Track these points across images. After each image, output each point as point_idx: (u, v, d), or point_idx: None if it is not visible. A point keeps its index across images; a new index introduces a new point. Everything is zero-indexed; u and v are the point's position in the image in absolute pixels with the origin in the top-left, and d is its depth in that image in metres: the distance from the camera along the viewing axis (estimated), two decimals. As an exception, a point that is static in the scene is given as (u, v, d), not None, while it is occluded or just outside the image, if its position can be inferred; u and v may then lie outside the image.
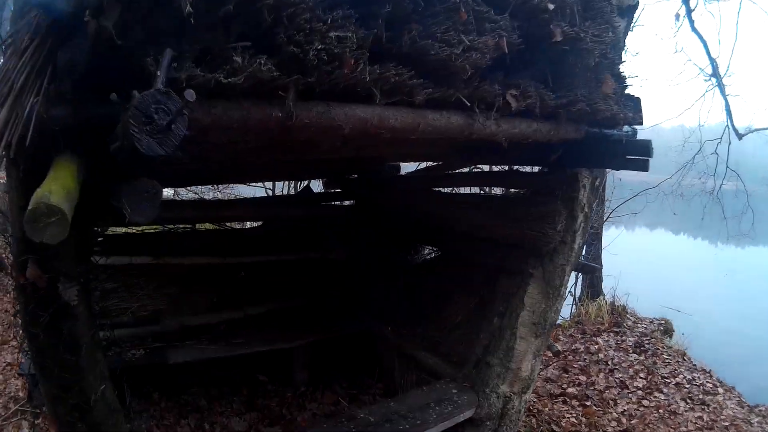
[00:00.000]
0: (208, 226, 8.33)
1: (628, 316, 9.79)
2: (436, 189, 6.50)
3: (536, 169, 5.55)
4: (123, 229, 7.24)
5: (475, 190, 7.65)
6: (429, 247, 7.53)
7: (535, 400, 6.73)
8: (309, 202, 8.11)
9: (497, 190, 7.38)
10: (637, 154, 4.06)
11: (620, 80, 4.05)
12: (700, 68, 14.62)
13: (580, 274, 11.44)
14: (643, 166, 4.10)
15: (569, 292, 11.40)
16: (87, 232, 3.10)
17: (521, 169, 5.56)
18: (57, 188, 1.94)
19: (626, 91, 4.11)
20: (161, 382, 7.27)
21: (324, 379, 7.65)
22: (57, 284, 2.82)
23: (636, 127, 4.27)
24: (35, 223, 1.79)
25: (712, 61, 13.76)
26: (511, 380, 5.04)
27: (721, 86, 13.98)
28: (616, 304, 10.15)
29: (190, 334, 7.17)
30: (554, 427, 6.32)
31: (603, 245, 12.88)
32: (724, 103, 13.98)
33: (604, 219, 12.80)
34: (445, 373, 5.65)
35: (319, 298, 8.05)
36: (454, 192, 6.24)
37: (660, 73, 23.77)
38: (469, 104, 3.24)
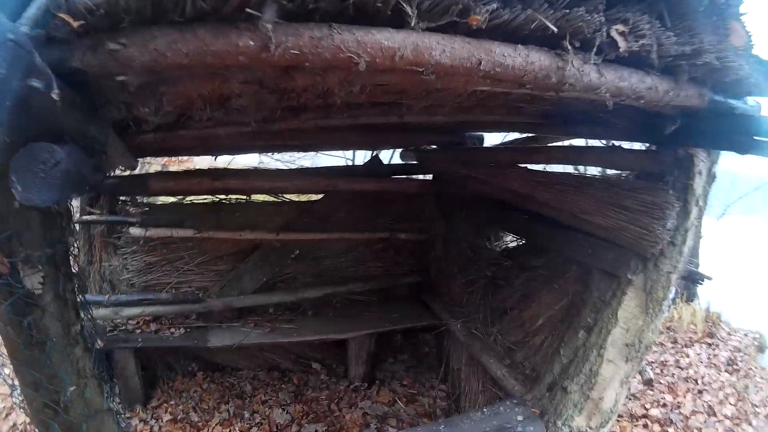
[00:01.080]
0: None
1: (722, 325, 8.93)
2: (524, 165, 5.45)
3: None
4: (168, 200, 7.06)
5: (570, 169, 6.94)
6: (513, 235, 6.69)
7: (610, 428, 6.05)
8: (378, 174, 7.35)
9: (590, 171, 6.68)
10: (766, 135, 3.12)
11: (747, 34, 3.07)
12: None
13: (696, 286, 10.59)
14: (772, 151, 3.14)
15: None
16: (53, 212, 2.52)
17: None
18: None
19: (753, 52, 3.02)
20: (207, 361, 7.07)
21: (382, 374, 7.16)
22: (19, 270, 2.42)
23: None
24: None
25: None
26: (590, 412, 4.13)
27: None
28: (710, 310, 9.23)
29: (237, 315, 6.83)
30: (632, 458, 5.64)
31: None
32: None
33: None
34: (512, 390, 4.85)
35: (384, 284, 7.43)
36: (545, 170, 5.34)
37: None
38: (557, 33, 2.25)
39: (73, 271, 2.93)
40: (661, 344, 8.01)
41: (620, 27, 2.35)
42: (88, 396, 3.02)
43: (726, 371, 7.22)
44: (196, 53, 1.80)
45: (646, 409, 6.24)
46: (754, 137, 3.04)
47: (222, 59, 1.83)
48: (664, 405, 6.35)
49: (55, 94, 1.73)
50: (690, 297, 10.32)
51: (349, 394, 6.68)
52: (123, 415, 3.60)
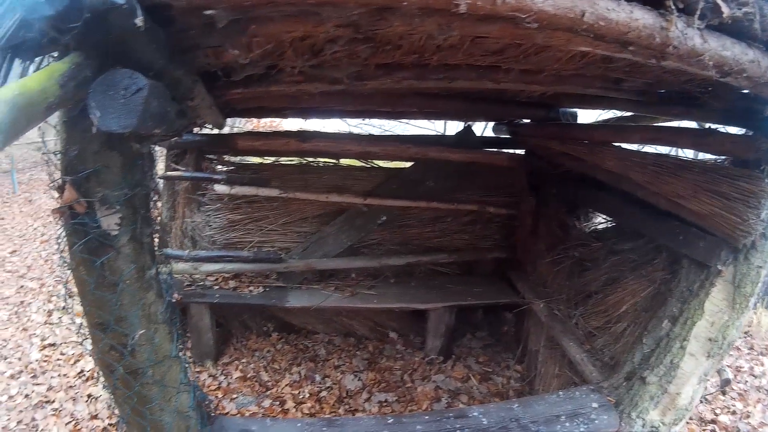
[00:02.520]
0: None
1: None
2: (618, 144, 5.27)
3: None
4: (254, 160, 7.13)
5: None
6: (603, 216, 6.48)
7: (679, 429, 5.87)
8: (469, 145, 7.16)
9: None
10: None
11: None
12: None
13: None
14: None
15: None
16: (136, 152, 2.52)
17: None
18: (8, 90, 1.51)
19: None
20: (283, 322, 7.14)
21: (458, 349, 7.09)
22: (96, 210, 2.46)
23: None
24: None
25: None
26: (666, 407, 3.98)
27: None
28: None
29: (318, 278, 6.91)
30: (696, 462, 5.45)
31: None
32: None
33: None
34: (590, 376, 4.74)
35: (468, 257, 7.33)
36: (642, 152, 5.17)
37: None
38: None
39: (152, 216, 2.94)
40: (737, 348, 7.74)
41: (723, -9, 2.20)
42: (157, 341, 3.04)
43: None
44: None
45: (716, 415, 6.06)
46: None
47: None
48: (734, 413, 6.17)
49: (139, 20, 1.71)
50: None
51: (423, 367, 6.64)
52: (190, 367, 3.62)
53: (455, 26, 2.18)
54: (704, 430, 5.81)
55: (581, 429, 3.91)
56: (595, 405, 4.18)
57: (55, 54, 1.91)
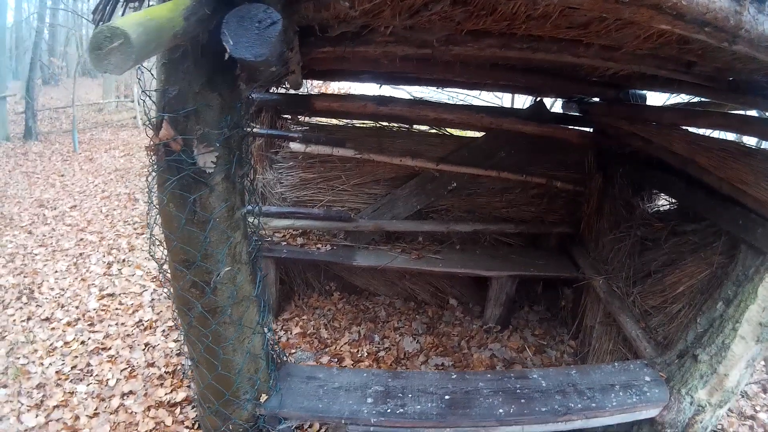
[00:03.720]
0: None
1: None
2: (685, 128, 5.33)
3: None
4: (329, 122, 7.12)
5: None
6: (667, 197, 6.54)
7: (723, 414, 5.88)
8: (543, 119, 7.12)
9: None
10: None
11: None
12: None
13: None
14: None
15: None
16: (235, 94, 2.67)
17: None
18: (136, 16, 1.73)
19: None
20: (346, 282, 7.32)
21: (515, 321, 7.21)
22: (192, 148, 2.62)
23: None
24: (98, 49, 1.61)
25: None
26: (713, 387, 4.12)
27: None
28: None
29: (385, 239, 7.06)
30: (730, 456, 5.47)
31: None
32: None
33: None
34: (644, 352, 4.84)
35: (534, 229, 7.42)
36: (709, 136, 5.23)
37: None
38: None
39: (246, 158, 3.09)
40: None
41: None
42: (240, 281, 3.22)
43: None
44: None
45: (756, 411, 6.01)
46: None
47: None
48: (773, 412, 6.13)
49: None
50: None
51: (481, 334, 6.76)
52: (267, 308, 3.79)
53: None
54: (743, 424, 5.84)
55: (633, 399, 4.06)
56: (647, 378, 4.31)
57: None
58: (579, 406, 3.95)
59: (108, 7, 2.01)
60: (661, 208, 6.51)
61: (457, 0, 2.64)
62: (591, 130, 7.10)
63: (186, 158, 2.61)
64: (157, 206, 2.91)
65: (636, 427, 4.37)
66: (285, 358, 4.16)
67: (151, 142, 2.62)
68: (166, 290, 6.90)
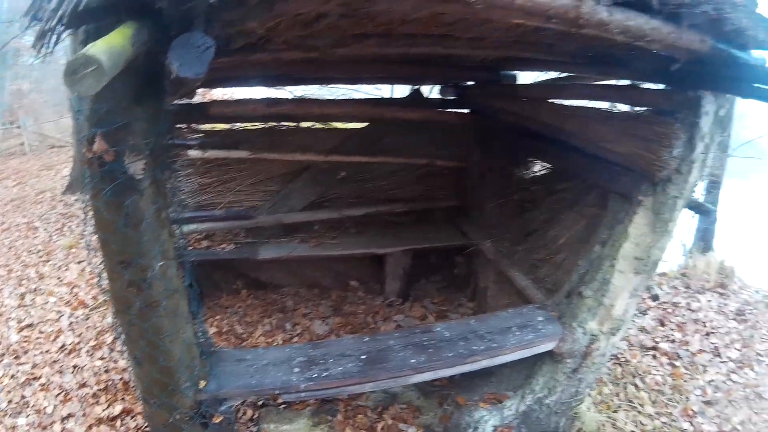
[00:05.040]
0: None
1: (735, 279, 8.92)
2: (553, 100, 5.95)
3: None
4: (223, 128, 7.32)
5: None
6: (541, 162, 7.08)
7: (625, 348, 6.42)
8: (421, 105, 7.89)
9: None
10: (766, 83, 3.55)
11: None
12: None
13: (694, 221, 10.87)
14: (771, 97, 3.57)
15: (681, 243, 10.86)
16: (158, 107, 2.99)
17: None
18: (101, 44, 1.98)
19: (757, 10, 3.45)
20: (252, 279, 7.49)
21: (415, 292, 7.62)
22: (123, 158, 2.85)
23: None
24: (73, 74, 1.83)
25: None
26: (602, 317, 4.63)
27: None
28: (724, 263, 9.32)
29: (284, 232, 7.28)
30: (638, 382, 5.96)
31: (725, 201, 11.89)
32: None
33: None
34: (536, 298, 5.36)
35: (422, 206, 7.88)
36: (574, 105, 5.79)
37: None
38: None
39: (170, 162, 3.39)
40: (675, 288, 8.31)
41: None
42: (170, 275, 3.51)
43: (734, 320, 7.46)
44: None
45: (656, 342, 6.60)
46: (755, 84, 3.52)
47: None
48: (673, 341, 6.72)
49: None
50: (706, 248, 10.56)
51: (384, 309, 7.16)
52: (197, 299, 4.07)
53: (425, 6, 2.80)
54: (645, 355, 6.38)
55: (530, 336, 4.58)
56: (541, 318, 4.85)
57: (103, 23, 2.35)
58: (482, 347, 4.40)
59: (53, 37, 2.29)
60: (538, 173, 7.05)
61: (343, 13, 3.03)
62: (469, 111, 7.59)
63: (119, 168, 2.84)
64: (93, 215, 3.12)
65: (540, 362, 4.83)
66: (214, 347, 4.44)
67: (86, 156, 2.83)
68: (82, 312, 7.01)
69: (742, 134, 12.59)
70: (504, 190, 7.00)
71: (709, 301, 7.88)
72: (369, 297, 7.53)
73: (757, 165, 13.06)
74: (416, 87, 7.74)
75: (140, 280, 3.29)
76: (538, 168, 7.13)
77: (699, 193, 10.01)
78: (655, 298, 7.28)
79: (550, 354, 4.71)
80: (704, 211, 8.80)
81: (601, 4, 2.88)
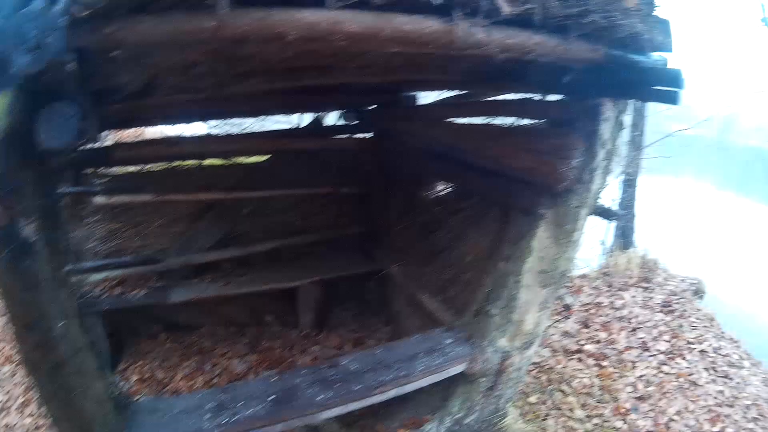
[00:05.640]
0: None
1: (659, 271, 9.08)
2: (451, 119, 5.98)
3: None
4: (128, 170, 7.24)
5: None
6: (444, 183, 7.09)
7: (548, 355, 6.50)
8: (320, 134, 7.91)
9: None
10: (666, 85, 3.54)
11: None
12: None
13: (610, 222, 11.02)
14: (673, 99, 3.55)
15: (600, 241, 11.29)
16: (47, 168, 2.95)
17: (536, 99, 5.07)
18: None
19: (654, 12, 3.53)
20: (169, 322, 7.36)
21: (331, 322, 7.65)
22: (17, 221, 2.78)
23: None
24: None
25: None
26: (512, 334, 4.67)
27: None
28: (647, 257, 9.37)
29: (195, 272, 7.18)
30: (564, 387, 6.03)
31: (644, 198, 12.03)
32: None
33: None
34: (444, 319, 5.42)
35: (329, 235, 7.90)
36: (472, 123, 5.86)
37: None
38: (445, 3, 2.81)
39: (62, 221, 3.34)
40: (596, 288, 8.40)
41: (505, -6, 2.90)
42: (73, 334, 3.41)
43: (661, 312, 7.57)
44: (172, 32, 2.32)
45: (581, 345, 6.69)
46: (653, 87, 3.59)
47: (190, 36, 2.36)
48: (598, 341, 6.83)
49: (70, 66, 2.21)
50: (627, 245, 10.71)
51: (301, 341, 7.17)
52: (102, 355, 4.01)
53: (289, 47, 2.80)
54: (571, 359, 6.48)
55: (438, 360, 4.63)
56: (449, 341, 4.91)
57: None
58: (389, 377, 4.43)
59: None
60: (441, 194, 7.10)
61: (215, 59, 3.05)
62: (372, 134, 7.64)
63: (13, 232, 2.76)
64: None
65: (454, 384, 4.84)
66: (128, 400, 4.37)
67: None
68: (8, 369, 6.77)
69: (665, 126, 12.84)
70: (409, 213, 7.07)
71: (633, 296, 8.00)
72: (285, 330, 7.51)
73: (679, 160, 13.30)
74: (317, 115, 7.72)
75: (44, 342, 3.22)
76: (441, 188, 7.19)
77: (615, 193, 10.25)
78: (566, 307, 7.38)
79: (463, 376, 4.74)
80: (610, 215, 8.92)
81: (477, 25, 2.89)
